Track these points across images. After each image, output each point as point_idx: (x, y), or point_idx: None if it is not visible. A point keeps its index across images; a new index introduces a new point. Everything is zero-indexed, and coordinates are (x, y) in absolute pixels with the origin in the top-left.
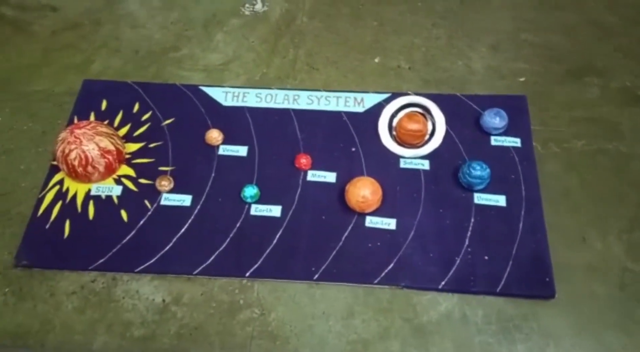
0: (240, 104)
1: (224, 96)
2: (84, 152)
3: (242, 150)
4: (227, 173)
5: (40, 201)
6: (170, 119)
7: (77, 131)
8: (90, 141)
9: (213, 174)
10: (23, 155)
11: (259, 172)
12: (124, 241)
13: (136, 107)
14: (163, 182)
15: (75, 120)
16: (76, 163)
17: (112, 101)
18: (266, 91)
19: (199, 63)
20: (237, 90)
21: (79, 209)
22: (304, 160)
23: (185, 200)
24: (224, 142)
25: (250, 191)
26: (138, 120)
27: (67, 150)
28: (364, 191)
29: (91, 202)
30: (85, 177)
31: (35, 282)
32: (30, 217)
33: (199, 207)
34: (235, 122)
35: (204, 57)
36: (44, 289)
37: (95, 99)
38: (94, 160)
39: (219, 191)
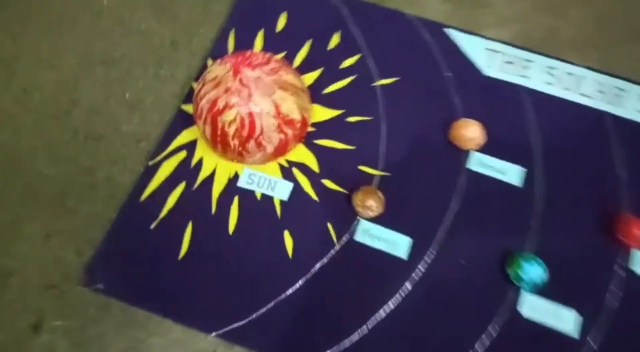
0: (515, 79)
1: (486, 57)
2: (251, 115)
3: (512, 172)
4: (482, 209)
5: (148, 174)
6: (391, 79)
7: (248, 72)
8: (267, 97)
9: (453, 204)
10: (136, 75)
11: (544, 231)
12: (283, 295)
13: (335, 39)
14: (369, 202)
15: (231, 40)
16: (231, 130)
17: (294, 18)
18: (565, 66)
19: None
20: (512, 51)
21: (214, 209)
22: (638, 232)
23: (396, 244)
24: (482, 147)
25: (535, 272)
26: (335, 64)
27: (221, 105)
28: None
29: (235, 201)
30: (238, 155)
31: None
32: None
33: (423, 265)
34: (504, 111)
35: None
36: None
37: (267, 9)
38: (265, 133)
39: (463, 243)
